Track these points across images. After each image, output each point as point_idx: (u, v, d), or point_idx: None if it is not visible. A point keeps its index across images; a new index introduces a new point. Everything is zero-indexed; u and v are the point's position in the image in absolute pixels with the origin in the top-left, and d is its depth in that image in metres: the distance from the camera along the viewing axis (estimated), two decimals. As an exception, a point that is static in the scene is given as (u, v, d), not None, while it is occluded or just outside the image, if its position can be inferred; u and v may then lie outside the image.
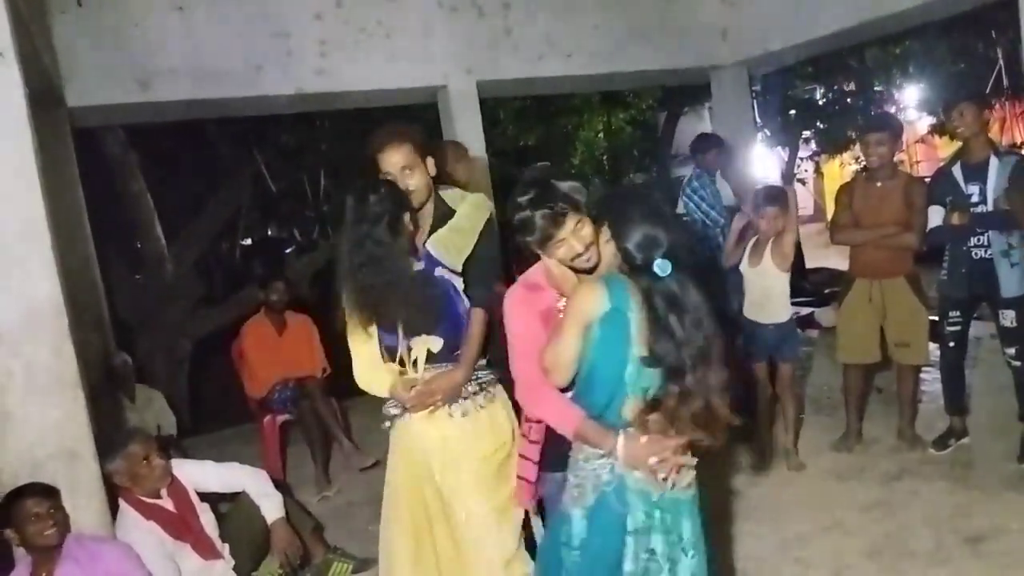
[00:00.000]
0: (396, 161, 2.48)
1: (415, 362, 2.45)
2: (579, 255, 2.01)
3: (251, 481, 3.21)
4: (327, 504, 4.26)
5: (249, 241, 13.66)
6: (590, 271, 2.05)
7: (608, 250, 2.01)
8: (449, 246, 2.43)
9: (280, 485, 3.46)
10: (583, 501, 1.98)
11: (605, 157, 13.79)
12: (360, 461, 4.36)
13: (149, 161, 7.94)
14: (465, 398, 2.47)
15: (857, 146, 12.03)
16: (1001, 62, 10.00)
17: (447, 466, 2.47)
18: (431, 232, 2.57)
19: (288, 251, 12.69)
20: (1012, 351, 3.60)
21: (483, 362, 2.51)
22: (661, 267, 1.83)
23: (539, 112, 11.39)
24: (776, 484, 3.80)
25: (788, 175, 11.25)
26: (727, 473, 3.84)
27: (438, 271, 2.42)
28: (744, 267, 3.90)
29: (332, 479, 4.50)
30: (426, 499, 2.52)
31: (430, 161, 2.55)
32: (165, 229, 7.78)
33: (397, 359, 2.47)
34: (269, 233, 14.91)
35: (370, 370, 2.51)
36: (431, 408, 2.45)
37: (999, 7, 5.55)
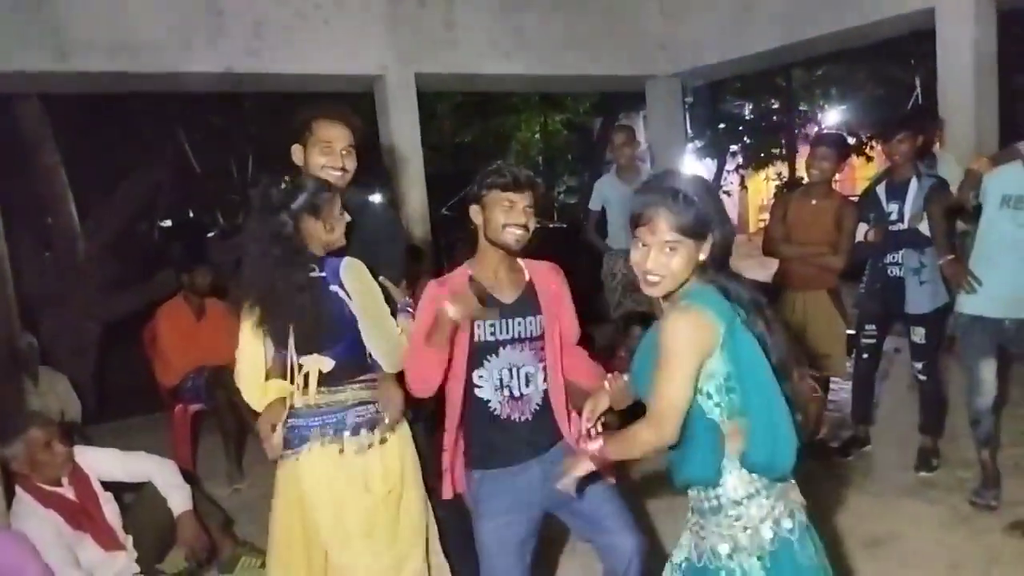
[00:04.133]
0: (342, 135, 2.36)
1: (306, 382, 2.22)
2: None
3: (158, 471, 3.11)
4: (239, 497, 4.15)
5: (169, 223, 13.17)
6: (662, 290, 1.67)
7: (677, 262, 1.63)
8: (364, 293, 2.20)
9: (189, 476, 3.37)
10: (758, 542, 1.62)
11: (540, 158, 13.89)
12: (275, 454, 4.25)
13: (67, 134, 7.55)
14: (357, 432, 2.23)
15: (780, 161, 12.58)
16: (918, 90, 10.54)
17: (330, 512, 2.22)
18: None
19: (210, 235, 12.29)
20: (920, 365, 3.79)
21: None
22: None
23: (477, 109, 11.40)
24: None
25: (715, 186, 11.60)
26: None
27: (335, 287, 2.18)
28: None
29: (245, 471, 4.38)
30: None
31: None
32: (80, 206, 7.42)
33: (288, 376, 2.25)
34: (191, 215, 14.41)
35: (252, 373, 2.28)
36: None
37: (920, 36, 5.85)
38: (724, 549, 1.64)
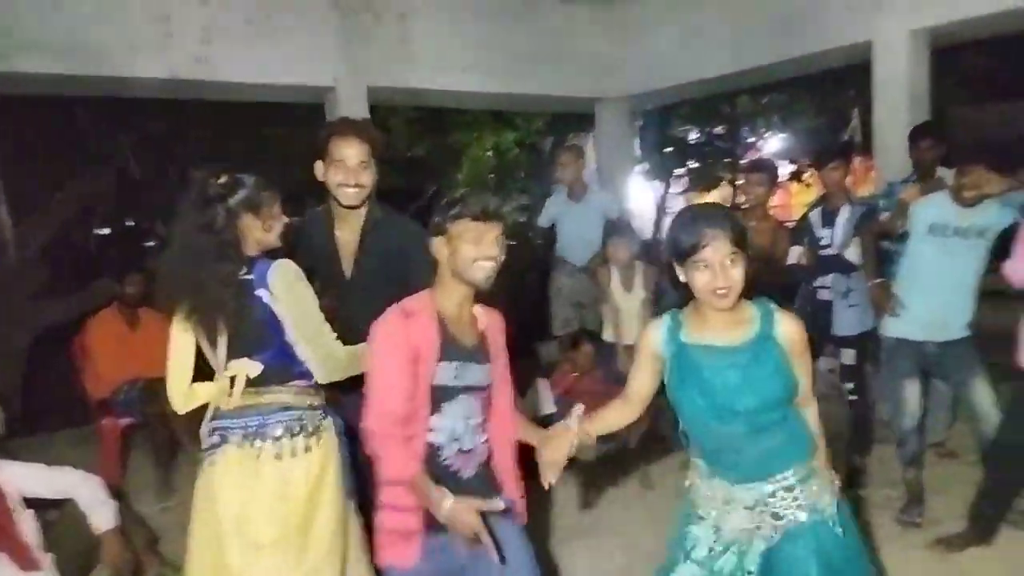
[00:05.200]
0: (355, 153, 2.42)
1: (232, 385, 2.16)
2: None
3: (83, 488, 2.98)
4: (168, 515, 4.01)
5: (107, 231, 12.76)
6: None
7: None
8: (292, 299, 2.14)
9: (116, 492, 3.24)
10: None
11: (492, 176, 13.94)
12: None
13: (3, 137, 7.29)
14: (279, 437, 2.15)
15: (723, 185, 12.87)
16: (856, 120, 10.93)
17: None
18: (362, 235, 2.50)
19: (149, 244, 11.94)
20: (850, 386, 3.91)
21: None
22: None
23: (430, 125, 11.38)
24: (626, 501, 3.91)
25: (661, 209, 11.83)
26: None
27: (261, 291, 2.11)
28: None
29: (176, 488, 4.24)
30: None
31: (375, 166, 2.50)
32: (15, 211, 7.15)
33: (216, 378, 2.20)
34: (130, 223, 13.98)
35: (177, 372, 2.22)
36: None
37: (857, 68, 6.09)
38: (803, 515, 1.90)
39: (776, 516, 1.90)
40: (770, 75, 6.62)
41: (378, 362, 1.94)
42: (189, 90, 5.49)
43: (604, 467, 4.07)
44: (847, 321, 3.80)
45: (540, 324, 5.57)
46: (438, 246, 1.98)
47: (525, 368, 3.58)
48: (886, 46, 5.09)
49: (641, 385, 2.05)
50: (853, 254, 3.78)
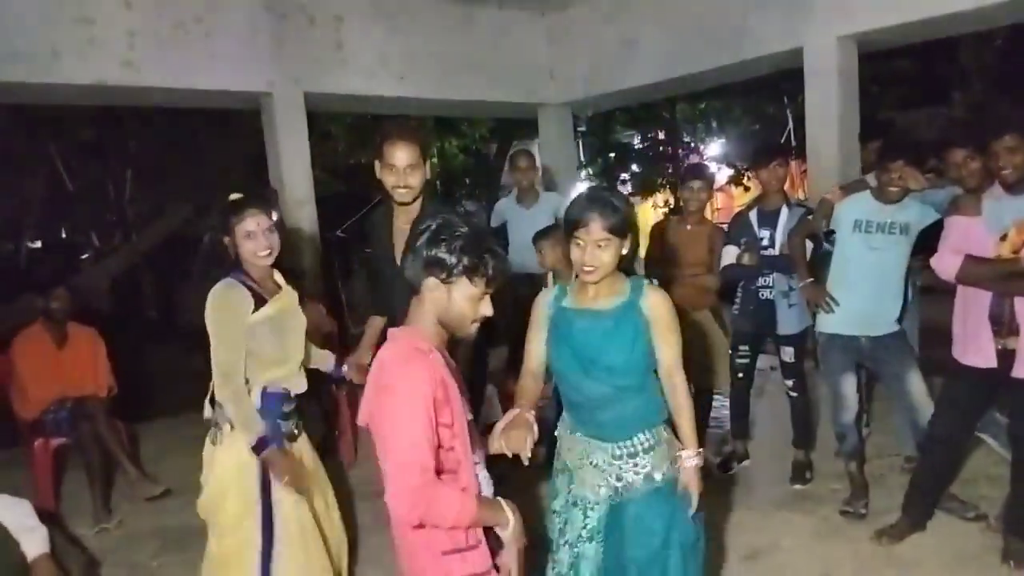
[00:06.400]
0: (402, 157, 2.61)
1: None
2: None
3: (9, 513, 2.82)
4: (106, 537, 3.85)
5: (39, 244, 12.29)
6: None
7: None
8: None
9: (50, 516, 3.11)
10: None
11: (438, 182, 13.89)
12: (147, 490, 4.05)
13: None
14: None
15: (666, 189, 13.11)
16: (790, 125, 11.25)
17: None
18: (412, 226, 2.55)
19: (84, 257, 11.53)
20: (791, 383, 3.98)
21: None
22: None
23: (373, 130, 11.28)
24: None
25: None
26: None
27: None
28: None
29: (113, 509, 4.07)
30: None
31: (429, 164, 2.71)
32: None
33: None
34: (63, 236, 13.49)
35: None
36: None
37: (789, 75, 6.26)
38: (639, 482, 2.13)
39: (618, 478, 2.14)
40: (705, 82, 6.76)
41: (410, 406, 1.65)
42: (116, 96, 5.32)
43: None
44: (788, 320, 3.88)
45: (488, 331, 5.54)
46: (435, 288, 1.74)
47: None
48: (815, 52, 5.24)
49: (536, 350, 2.22)
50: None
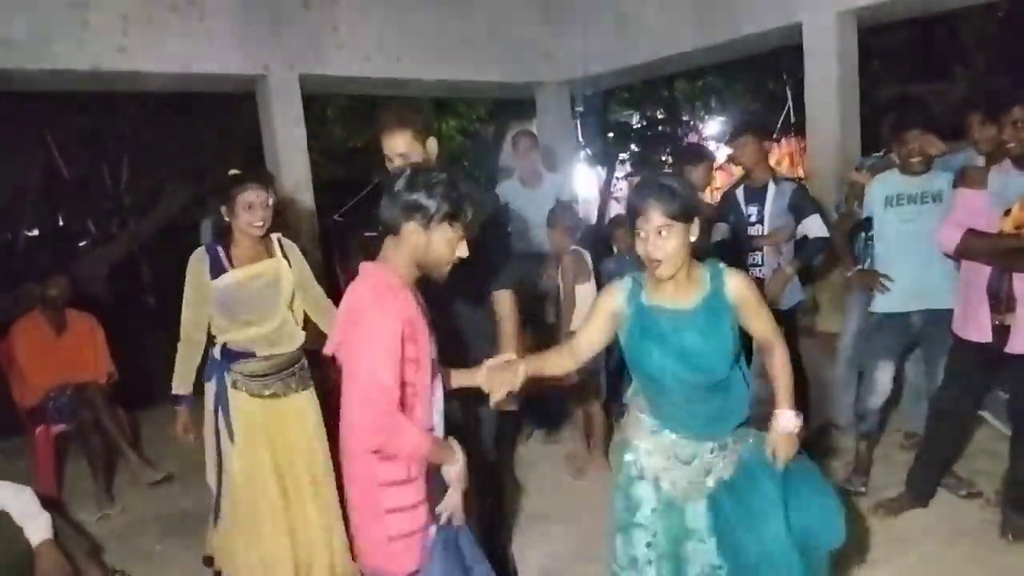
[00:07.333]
0: (393, 146, 2.52)
1: None
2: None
3: (13, 500, 2.84)
4: (109, 523, 3.87)
5: (37, 232, 12.24)
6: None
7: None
8: None
9: (53, 503, 3.12)
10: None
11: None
12: (149, 476, 4.05)
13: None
14: None
15: (666, 169, 13.06)
16: (790, 102, 11.18)
17: None
18: (385, 180, 2.56)
19: (82, 244, 11.50)
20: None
21: None
22: None
23: (370, 113, 11.21)
24: (574, 488, 3.92)
25: (605, 193, 11.90)
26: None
27: None
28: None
29: (115, 496, 4.09)
30: None
31: (431, 143, 2.51)
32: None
33: None
34: (60, 224, 13.45)
35: None
36: None
37: (789, 51, 6.20)
38: (730, 469, 2.10)
39: (707, 472, 2.07)
40: (703, 59, 6.70)
41: (384, 336, 1.75)
42: (112, 82, 5.28)
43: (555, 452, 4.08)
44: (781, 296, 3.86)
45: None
46: (414, 232, 1.83)
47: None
48: (814, 27, 5.19)
49: (589, 339, 2.10)
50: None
